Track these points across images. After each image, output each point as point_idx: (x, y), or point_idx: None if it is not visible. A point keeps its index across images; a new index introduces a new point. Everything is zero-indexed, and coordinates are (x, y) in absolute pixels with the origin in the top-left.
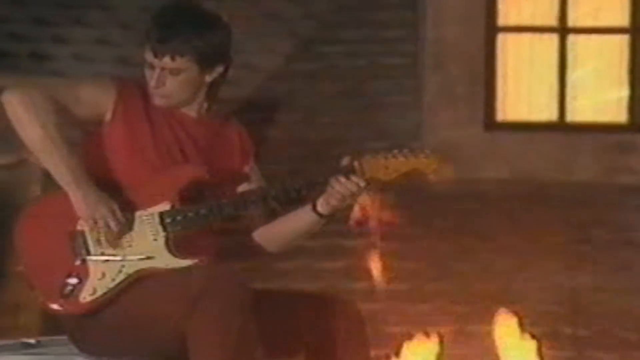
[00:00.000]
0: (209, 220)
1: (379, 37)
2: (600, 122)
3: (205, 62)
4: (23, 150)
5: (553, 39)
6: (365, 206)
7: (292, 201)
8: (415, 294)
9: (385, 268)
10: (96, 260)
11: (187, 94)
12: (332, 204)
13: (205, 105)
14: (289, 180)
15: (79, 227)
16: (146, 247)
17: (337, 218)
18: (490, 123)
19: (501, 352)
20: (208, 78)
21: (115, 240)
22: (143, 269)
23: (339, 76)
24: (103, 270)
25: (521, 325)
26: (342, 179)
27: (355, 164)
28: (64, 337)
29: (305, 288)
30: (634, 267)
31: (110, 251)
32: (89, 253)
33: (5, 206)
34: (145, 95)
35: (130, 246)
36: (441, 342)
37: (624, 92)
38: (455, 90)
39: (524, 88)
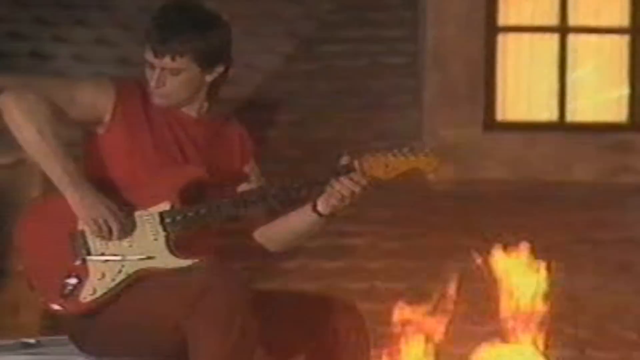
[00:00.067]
0: (209, 220)
1: (379, 37)
2: (600, 122)
3: (205, 62)
4: (22, 150)
5: (553, 39)
6: None
7: (292, 201)
8: (414, 293)
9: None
10: (96, 260)
11: (187, 94)
12: (332, 203)
13: (205, 105)
14: (288, 179)
15: (79, 227)
16: (146, 247)
17: (337, 218)
18: (490, 123)
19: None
20: (208, 78)
21: (115, 240)
22: (143, 269)
23: (339, 76)
24: (103, 270)
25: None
26: (342, 178)
27: (355, 163)
28: (64, 337)
29: (305, 288)
30: (634, 267)
31: (110, 251)
32: (89, 253)
33: (5, 206)
34: (145, 95)
35: (130, 246)
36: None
37: (624, 91)
38: (455, 90)
39: (524, 88)
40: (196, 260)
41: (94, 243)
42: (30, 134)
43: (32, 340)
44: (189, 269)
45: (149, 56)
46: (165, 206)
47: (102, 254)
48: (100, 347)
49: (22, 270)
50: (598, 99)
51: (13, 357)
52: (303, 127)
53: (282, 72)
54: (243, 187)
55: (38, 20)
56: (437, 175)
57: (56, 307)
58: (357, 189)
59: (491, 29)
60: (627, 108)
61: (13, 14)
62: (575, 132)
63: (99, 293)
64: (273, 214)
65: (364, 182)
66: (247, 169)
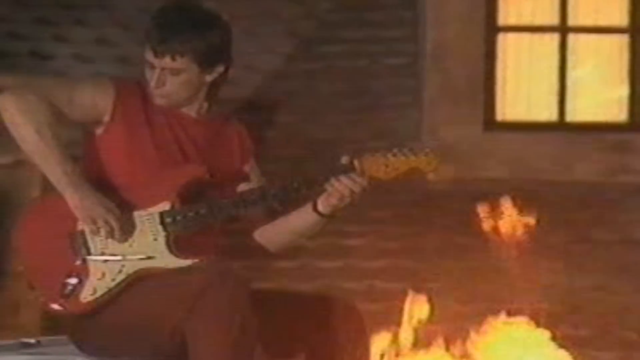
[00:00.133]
0: (209, 220)
1: (378, 37)
2: (600, 122)
3: (205, 62)
4: (22, 150)
5: (553, 39)
6: None
7: (292, 200)
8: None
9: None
10: (96, 260)
11: (188, 94)
12: (332, 203)
13: (205, 105)
14: (288, 179)
15: (79, 227)
16: (146, 247)
17: (337, 218)
18: (490, 123)
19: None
20: (208, 78)
21: (115, 239)
22: (143, 269)
23: (339, 76)
24: (103, 270)
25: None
26: (342, 178)
27: (355, 162)
28: (64, 337)
29: (305, 287)
30: (634, 267)
31: (110, 251)
32: (89, 253)
33: (5, 206)
34: (144, 95)
35: (130, 246)
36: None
37: (624, 91)
38: (455, 90)
39: (524, 88)
40: (196, 260)
41: (94, 243)
42: (28, 134)
43: (32, 340)
44: (189, 269)
45: (149, 56)
46: (165, 206)
47: (102, 254)
48: (100, 347)
49: (22, 271)
50: (598, 99)
51: (13, 357)
52: (303, 127)
53: (282, 72)
54: (243, 187)
55: (38, 20)
56: (437, 175)
57: (56, 307)
58: (357, 189)
59: (491, 29)
60: (627, 108)
61: (13, 14)
62: (575, 132)
63: (99, 293)
64: (273, 214)
65: (363, 182)
66: (247, 168)
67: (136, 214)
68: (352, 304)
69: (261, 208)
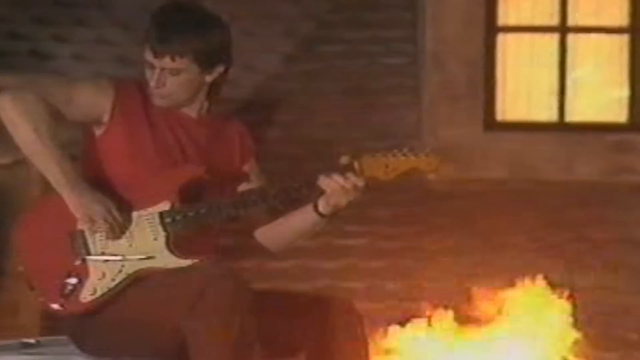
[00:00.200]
0: (209, 220)
1: (378, 37)
2: (600, 122)
3: (205, 62)
4: (21, 150)
5: (553, 39)
6: None
7: (292, 200)
8: (414, 292)
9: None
10: (96, 260)
11: (188, 94)
12: (332, 203)
13: (205, 105)
14: (289, 179)
15: (79, 227)
16: (146, 246)
17: (337, 218)
18: (490, 123)
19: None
20: (208, 78)
21: (115, 239)
22: (143, 269)
23: (338, 76)
24: (103, 270)
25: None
26: (341, 179)
27: (355, 163)
28: (64, 337)
29: (304, 288)
30: (634, 267)
31: (110, 251)
32: (89, 253)
33: (5, 206)
34: (144, 96)
35: (130, 246)
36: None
37: (624, 92)
38: (454, 90)
39: (523, 88)
40: (196, 260)
41: (94, 243)
42: (26, 134)
43: (32, 340)
44: (188, 268)
45: (149, 56)
46: (165, 206)
47: (102, 254)
48: (101, 347)
49: (22, 271)
50: (598, 99)
51: (13, 357)
52: (303, 126)
53: (282, 72)
54: (243, 187)
55: (38, 20)
56: (437, 175)
57: (56, 307)
58: (356, 190)
59: (491, 29)
60: (627, 108)
61: (13, 14)
62: (575, 132)
63: (99, 293)
64: (273, 214)
65: (362, 182)
66: (247, 168)
67: (136, 213)
68: (351, 304)
69: (261, 208)
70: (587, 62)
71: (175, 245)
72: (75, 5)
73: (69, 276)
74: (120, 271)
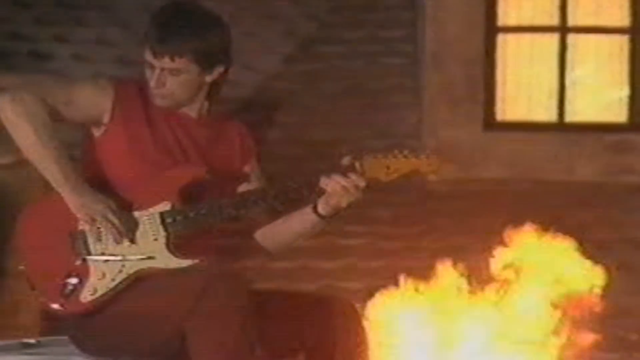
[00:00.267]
0: (210, 220)
1: (378, 37)
2: (600, 122)
3: (205, 62)
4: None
5: (553, 39)
6: None
7: (292, 201)
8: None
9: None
10: (96, 260)
11: (188, 94)
12: (332, 204)
13: (205, 105)
14: (289, 180)
15: (79, 227)
16: (147, 247)
17: (337, 218)
18: (490, 123)
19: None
20: (208, 78)
21: (115, 238)
22: (143, 269)
23: (339, 76)
24: (103, 270)
25: None
26: (342, 179)
27: (357, 164)
28: (64, 337)
29: (305, 288)
30: (634, 267)
31: (111, 251)
32: (89, 253)
33: (5, 206)
34: (144, 96)
35: (130, 246)
36: None
37: (624, 92)
38: (454, 90)
39: (523, 88)
40: (196, 261)
41: (94, 243)
42: (26, 136)
43: (32, 341)
44: (189, 269)
45: (149, 57)
46: (165, 206)
47: (103, 254)
48: (101, 347)
49: (22, 271)
50: (598, 99)
51: (13, 357)
52: (303, 127)
53: (282, 72)
54: (243, 187)
55: (38, 20)
56: (437, 176)
57: (56, 306)
58: (357, 190)
59: (491, 29)
60: (627, 108)
61: (13, 14)
62: (575, 132)
63: (99, 293)
64: (274, 215)
65: (364, 182)
66: (247, 169)
67: (136, 214)
68: (351, 304)
69: (262, 209)
70: (587, 62)
71: (175, 245)
72: (75, 6)
73: (70, 276)
74: (120, 271)
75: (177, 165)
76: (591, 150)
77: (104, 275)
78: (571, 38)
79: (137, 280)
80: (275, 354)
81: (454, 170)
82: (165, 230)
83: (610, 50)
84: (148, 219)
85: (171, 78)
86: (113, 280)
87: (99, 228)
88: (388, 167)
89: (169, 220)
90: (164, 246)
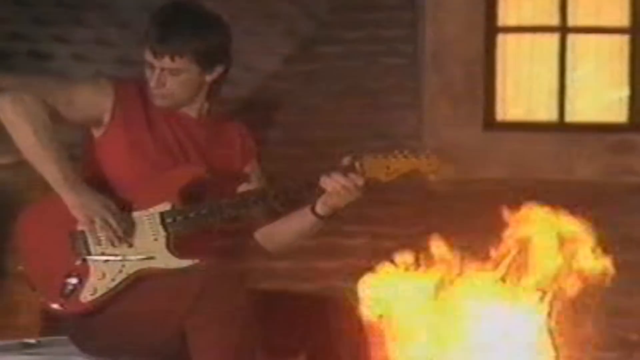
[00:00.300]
0: (210, 221)
1: (378, 37)
2: (600, 122)
3: (205, 62)
4: None
5: (553, 39)
6: None
7: (292, 201)
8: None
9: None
10: (96, 260)
11: (188, 94)
12: (331, 204)
13: (206, 105)
14: (289, 180)
15: (79, 227)
16: (147, 247)
17: (337, 218)
18: (490, 123)
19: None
20: (208, 78)
21: (115, 238)
22: (143, 269)
23: (338, 76)
24: (103, 270)
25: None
26: (343, 179)
27: (357, 164)
28: (64, 337)
29: (305, 288)
30: (634, 267)
31: (111, 251)
32: (89, 253)
33: (5, 206)
34: (144, 96)
35: (130, 246)
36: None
37: (624, 92)
38: (454, 90)
39: (523, 88)
40: (196, 261)
41: (94, 243)
42: (26, 137)
43: (32, 341)
44: (189, 269)
45: (149, 57)
46: (165, 206)
47: (103, 254)
48: (101, 347)
49: (22, 271)
50: (598, 99)
51: (13, 357)
52: (303, 127)
53: (282, 72)
54: (244, 188)
55: (38, 20)
56: (437, 176)
57: (56, 306)
58: (358, 189)
59: (491, 29)
60: (627, 108)
61: (13, 14)
62: (575, 132)
63: (99, 293)
64: (274, 215)
65: (361, 181)
66: (248, 169)
67: (136, 214)
68: (351, 304)
69: (261, 209)
70: (587, 62)
71: (175, 245)
72: (75, 6)
73: (69, 276)
74: (120, 271)
75: (177, 166)
76: (591, 150)
77: (104, 275)
78: (571, 38)
79: (137, 280)
80: (276, 354)
81: (454, 171)
82: (165, 230)
83: (610, 50)
84: (148, 219)
85: (171, 78)
86: (113, 280)
87: (98, 227)
88: (388, 167)
89: (169, 220)
90: (164, 246)
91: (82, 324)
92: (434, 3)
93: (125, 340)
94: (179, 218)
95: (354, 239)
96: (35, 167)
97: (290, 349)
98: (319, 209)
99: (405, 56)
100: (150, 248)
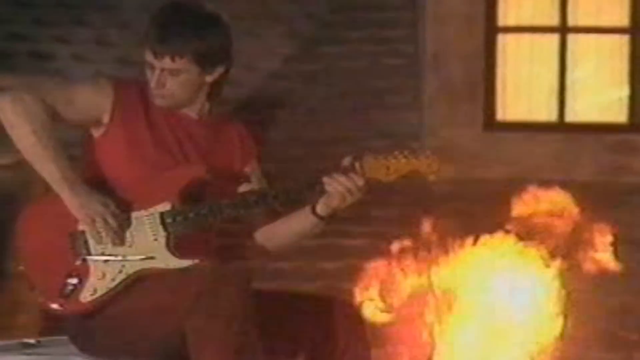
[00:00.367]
0: (210, 221)
1: (379, 37)
2: (600, 122)
3: (205, 62)
4: None
5: (553, 39)
6: None
7: (292, 202)
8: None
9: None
10: (96, 260)
11: (188, 94)
12: (331, 204)
13: (206, 105)
14: (289, 181)
15: (79, 227)
16: (147, 247)
17: (337, 218)
18: (490, 123)
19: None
20: (209, 79)
21: (115, 238)
22: (143, 269)
23: (339, 76)
24: (103, 270)
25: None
26: (342, 179)
27: (357, 164)
28: (64, 337)
29: (304, 288)
30: (634, 267)
31: (111, 251)
32: (89, 253)
33: (6, 206)
34: (145, 96)
35: (130, 246)
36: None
37: (624, 92)
38: (455, 90)
39: (524, 88)
40: (196, 261)
41: (94, 243)
42: (25, 137)
43: (32, 341)
44: (189, 269)
45: (149, 57)
46: (165, 206)
47: (103, 254)
48: (101, 347)
49: (22, 271)
50: (598, 99)
51: (13, 357)
52: (303, 126)
53: (282, 72)
54: (244, 188)
55: (38, 21)
56: (437, 176)
57: (56, 306)
58: (358, 190)
59: (491, 29)
60: (627, 108)
61: (13, 15)
62: (575, 132)
63: (99, 293)
64: (274, 215)
65: (361, 182)
66: (248, 169)
67: (136, 214)
68: (352, 304)
69: (262, 209)
70: (587, 62)
71: (175, 245)
72: (75, 6)
73: (69, 276)
74: (120, 271)
75: (177, 166)
76: (591, 150)
77: (103, 275)
78: (571, 38)
79: (137, 280)
80: (276, 354)
81: (454, 171)
82: (165, 230)
83: (610, 50)
84: (148, 219)
85: (171, 78)
86: (113, 280)
87: (97, 227)
88: (388, 168)
89: (169, 220)
90: (164, 246)
91: (82, 324)
92: (434, 3)
93: (125, 340)
94: (179, 218)
95: (355, 239)
96: (34, 167)
97: (290, 350)
98: (320, 209)
99: (406, 56)
100: (150, 248)
